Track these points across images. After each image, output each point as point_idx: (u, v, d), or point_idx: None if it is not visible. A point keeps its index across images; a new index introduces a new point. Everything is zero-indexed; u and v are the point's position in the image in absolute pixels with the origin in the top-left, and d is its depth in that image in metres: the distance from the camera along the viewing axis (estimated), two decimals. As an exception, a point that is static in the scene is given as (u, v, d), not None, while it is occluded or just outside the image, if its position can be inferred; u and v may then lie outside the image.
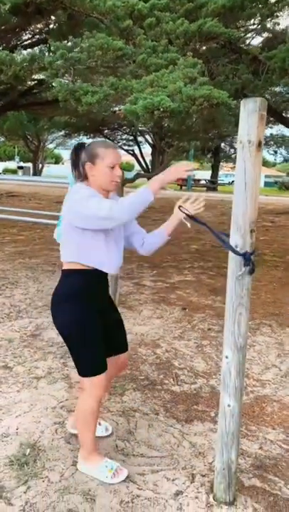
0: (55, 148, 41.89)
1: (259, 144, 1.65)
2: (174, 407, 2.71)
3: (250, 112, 1.63)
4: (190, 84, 3.59)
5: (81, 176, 1.96)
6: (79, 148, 1.98)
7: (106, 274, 2.03)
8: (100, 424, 2.33)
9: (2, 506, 1.84)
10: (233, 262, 1.74)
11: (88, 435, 2.04)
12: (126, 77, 4.13)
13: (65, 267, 2.00)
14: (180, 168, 1.88)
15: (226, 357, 1.79)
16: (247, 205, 1.67)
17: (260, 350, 3.65)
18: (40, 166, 35.16)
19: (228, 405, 1.82)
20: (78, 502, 1.88)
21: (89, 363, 1.96)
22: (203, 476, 2.09)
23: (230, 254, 1.74)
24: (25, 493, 1.92)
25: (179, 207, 2.05)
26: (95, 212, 1.79)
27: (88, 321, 1.95)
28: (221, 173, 40.50)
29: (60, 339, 3.63)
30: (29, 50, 7.97)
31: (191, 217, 2.00)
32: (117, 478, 2.01)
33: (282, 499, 1.97)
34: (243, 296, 1.73)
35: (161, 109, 3.25)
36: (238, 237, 1.71)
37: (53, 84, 4.23)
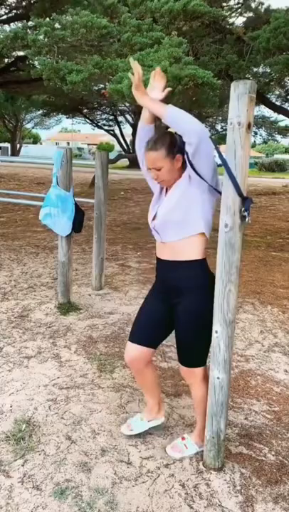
0: (33, 127, 40.98)
1: (249, 126, 1.70)
2: (163, 382, 2.81)
3: (240, 94, 1.66)
4: (175, 64, 3.57)
5: None
6: None
7: None
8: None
9: (1, 479, 1.90)
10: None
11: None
12: (111, 56, 4.08)
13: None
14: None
15: (216, 332, 1.86)
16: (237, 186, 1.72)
17: (244, 327, 3.77)
18: (18, 145, 34.44)
19: (218, 378, 1.91)
20: (75, 472, 1.96)
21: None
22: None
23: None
24: (22, 466, 1.99)
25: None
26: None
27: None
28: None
29: (47, 320, 3.67)
30: (11, 26, 7.72)
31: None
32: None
33: (267, 464, 2.10)
34: (232, 273, 1.79)
35: (147, 89, 3.24)
36: (228, 217, 1.76)
37: (36, 62, 4.13)
